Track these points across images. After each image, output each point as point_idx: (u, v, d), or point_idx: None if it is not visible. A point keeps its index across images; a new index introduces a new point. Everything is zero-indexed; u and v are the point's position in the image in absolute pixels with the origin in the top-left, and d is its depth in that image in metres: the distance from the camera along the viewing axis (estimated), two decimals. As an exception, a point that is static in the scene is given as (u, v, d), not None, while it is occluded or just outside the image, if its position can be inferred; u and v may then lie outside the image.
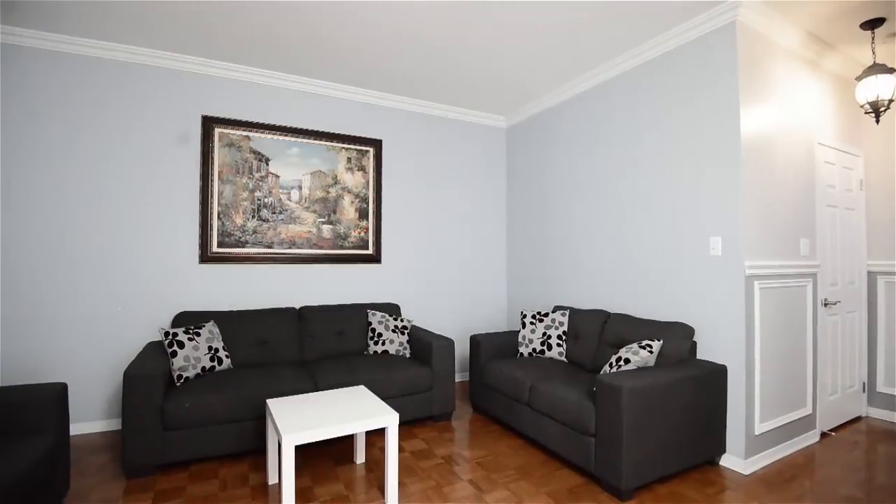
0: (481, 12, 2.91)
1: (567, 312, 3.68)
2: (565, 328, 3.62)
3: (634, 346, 2.75)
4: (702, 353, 2.94)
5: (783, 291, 2.97)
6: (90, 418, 3.31)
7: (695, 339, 2.97)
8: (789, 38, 3.03)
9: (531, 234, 4.63)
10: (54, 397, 2.20)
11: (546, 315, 3.69)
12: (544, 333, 3.61)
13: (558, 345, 3.57)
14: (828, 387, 3.32)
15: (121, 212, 3.41)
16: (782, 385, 2.95)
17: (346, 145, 4.20)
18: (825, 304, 3.28)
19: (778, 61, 3.00)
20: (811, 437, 3.16)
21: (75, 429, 3.26)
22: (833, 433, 3.31)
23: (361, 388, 2.86)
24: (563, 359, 3.55)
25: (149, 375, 2.61)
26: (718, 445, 2.76)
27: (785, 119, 3.04)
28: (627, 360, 2.67)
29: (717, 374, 2.73)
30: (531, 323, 3.69)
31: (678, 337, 2.85)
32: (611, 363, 2.76)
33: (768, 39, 2.94)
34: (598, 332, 3.39)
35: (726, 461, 2.80)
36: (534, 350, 3.61)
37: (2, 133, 3.10)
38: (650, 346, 2.70)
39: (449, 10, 2.88)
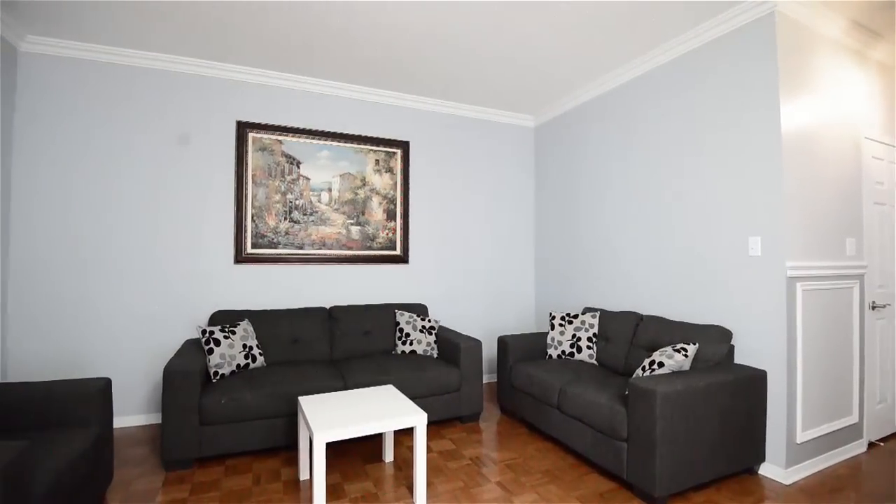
0: (509, 12, 2.89)
1: (597, 314, 3.61)
2: (595, 330, 3.55)
3: (668, 349, 2.67)
4: (740, 358, 2.84)
5: (827, 293, 2.84)
6: (131, 412, 3.45)
7: (732, 342, 2.87)
8: (832, 28, 2.90)
9: (560, 234, 4.57)
10: (99, 391, 2.30)
11: (575, 317, 3.64)
12: (574, 335, 3.56)
13: (588, 347, 3.51)
14: (875, 394, 3.15)
15: (160, 215, 3.54)
16: (826, 392, 2.82)
17: (374, 147, 4.25)
18: (873, 307, 3.12)
19: (820, 52, 2.88)
20: (858, 447, 3.01)
21: (117, 422, 3.40)
22: (881, 443, 3.14)
23: (390, 387, 2.88)
24: (594, 361, 3.49)
25: (187, 372, 2.70)
26: (758, 453, 2.66)
27: (829, 112, 2.91)
28: (661, 364, 2.60)
29: (756, 380, 2.63)
30: (560, 325, 3.65)
31: (715, 340, 2.76)
32: (644, 367, 2.69)
33: (810, 29, 2.82)
34: (629, 334, 3.32)
35: (766, 470, 2.70)
36: (563, 352, 3.56)
37: (54, 139, 3.28)
38: (685, 350, 2.62)
39: (476, 10, 2.88)
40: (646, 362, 2.71)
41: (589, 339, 3.53)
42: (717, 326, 2.83)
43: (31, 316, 3.22)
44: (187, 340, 3.42)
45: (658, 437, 2.29)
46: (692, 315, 3.16)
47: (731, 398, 2.51)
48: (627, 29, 3.09)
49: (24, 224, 3.21)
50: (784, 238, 2.64)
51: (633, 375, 2.61)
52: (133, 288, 3.46)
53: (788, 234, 2.65)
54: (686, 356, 2.60)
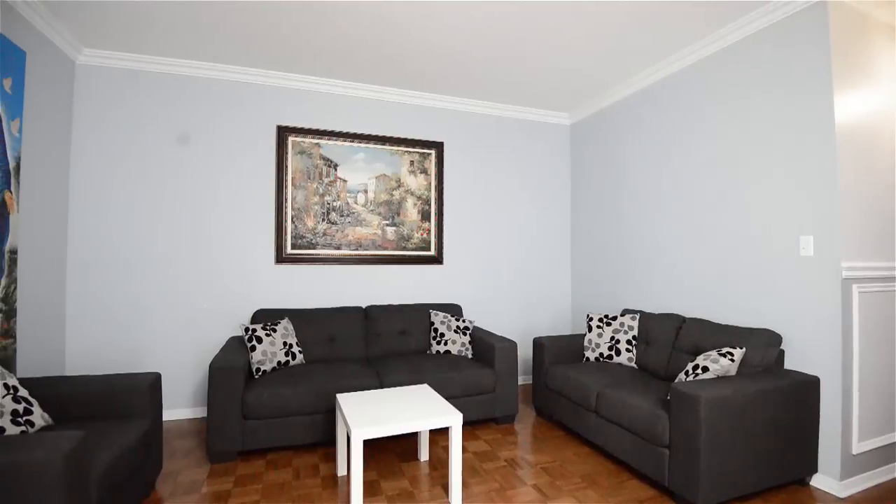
0: (547, 9, 2.86)
1: (637, 316, 3.52)
2: (635, 333, 3.46)
3: (713, 353, 2.58)
4: (790, 363, 2.70)
5: (887, 296, 2.66)
6: (179, 406, 3.61)
7: (782, 347, 2.74)
8: (891, 13, 2.72)
9: (597, 233, 4.49)
10: (149, 385, 2.41)
11: (614, 318, 3.56)
12: (612, 338, 3.48)
13: (627, 350, 3.42)
14: (944, 405, 2.94)
15: (207, 217, 3.69)
16: (886, 400, 2.65)
17: (408, 149, 4.29)
18: (940, 312, 2.91)
19: (877, 40, 2.71)
20: (923, 461, 2.81)
21: (166, 415, 3.56)
22: (951, 458, 2.92)
23: (425, 386, 2.90)
24: (633, 365, 3.40)
25: (231, 368, 2.80)
26: (809, 464, 2.52)
27: (887, 103, 2.73)
28: (706, 369, 2.51)
29: (807, 386, 2.50)
30: (598, 326, 3.57)
31: (763, 345, 2.64)
32: (686, 371, 2.61)
33: (866, 15, 2.66)
34: (671, 337, 3.21)
35: (818, 482, 2.56)
36: (601, 355, 3.49)
37: (109, 146, 3.47)
38: (731, 354, 2.52)
39: (510, 9, 2.86)
40: (689, 367, 2.62)
41: (628, 342, 3.44)
42: (766, 330, 2.71)
43: (88, 313, 3.41)
44: (231, 337, 3.54)
45: (702, 445, 2.21)
46: (738, 318, 3.03)
47: (781, 405, 2.40)
48: (668, 21, 3.00)
49: (82, 227, 3.41)
50: (839, 237, 2.49)
51: (676, 380, 2.54)
52: (181, 287, 3.62)
53: (844, 232, 2.50)
54: (732, 361, 2.50)
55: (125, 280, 3.50)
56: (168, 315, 3.59)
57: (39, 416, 2.05)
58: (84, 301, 3.41)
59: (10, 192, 2.68)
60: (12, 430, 1.87)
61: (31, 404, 2.05)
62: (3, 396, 1.93)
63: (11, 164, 2.68)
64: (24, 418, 1.96)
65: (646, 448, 2.54)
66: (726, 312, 3.12)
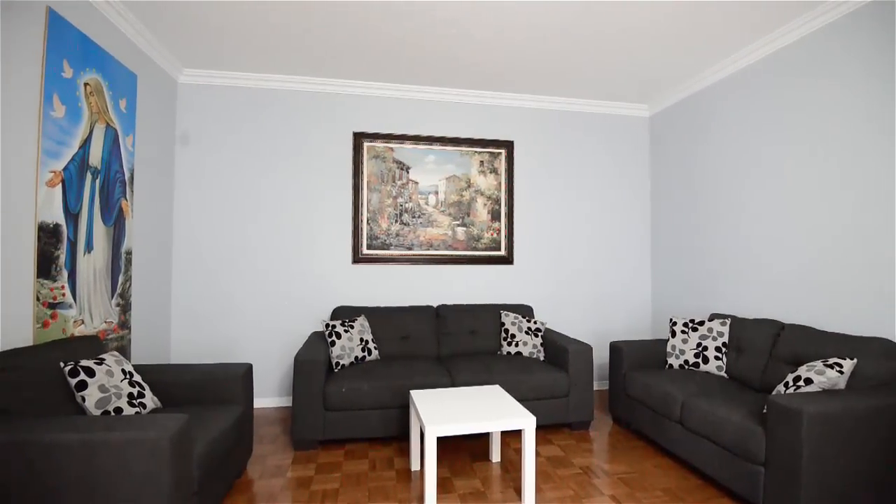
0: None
1: (727, 321, 3.26)
2: (725, 339, 3.21)
3: (818, 364, 2.32)
4: (915, 378, 2.37)
5: None
6: (265, 395, 3.87)
7: (904, 359, 2.41)
8: None
9: (681, 231, 4.21)
10: (242, 375, 2.61)
11: (701, 323, 3.32)
12: (699, 344, 3.25)
13: (716, 358, 3.18)
14: None
15: (291, 221, 3.95)
16: None
17: (478, 149, 4.29)
18: None
19: None
20: None
21: (254, 403, 3.83)
22: None
23: (497, 387, 2.88)
24: (723, 374, 3.15)
25: (314, 361, 2.97)
26: (941, 495, 2.19)
27: None
28: (809, 381, 2.27)
29: (938, 406, 2.17)
30: (682, 332, 3.35)
31: (878, 356, 2.33)
32: (786, 383, 2.37)
33: None
34: (768, 345, 2.94)
35: (954, 517, 2.22)
36: (686, 362, 3.27)
37: (208, 158, 3.81)
38: (840, 366, 2.25)
39: (577, 8, 2.76)
40: (789, 378, 2.38)
41: (717, 349, 3.19)
42: (882, 339, 2.39)
43: (189, 309, 3.77)
44: (313, 333, 3.75)
45: (804, 465, 1.99)
46: (848, 325, 2.71)
47: (904, 426, 2.11)
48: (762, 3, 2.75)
49: (185, 231, 3.77)
50: (980, 235, 2.15)
51: (774, 392, 2.32)
52: (270, 286, 3.90)
53: None
54: (841, 373, 2.24)
55: (221, 279, 3.82)
56: (257, 310, 3.88)
57: (150, 400, 2.29)
58: (186, 297, 3.76)
59: (126, 200, 3.03)
60: (128, 410, 2.11)
61: (144, 388, 2.29)
62: (122, 380, 2.18)
63: (127, 176, 3.03)
64: (138, 400, 2.19)
65: (737, 464, 2.34)
66: (832, 319, 2.80)
